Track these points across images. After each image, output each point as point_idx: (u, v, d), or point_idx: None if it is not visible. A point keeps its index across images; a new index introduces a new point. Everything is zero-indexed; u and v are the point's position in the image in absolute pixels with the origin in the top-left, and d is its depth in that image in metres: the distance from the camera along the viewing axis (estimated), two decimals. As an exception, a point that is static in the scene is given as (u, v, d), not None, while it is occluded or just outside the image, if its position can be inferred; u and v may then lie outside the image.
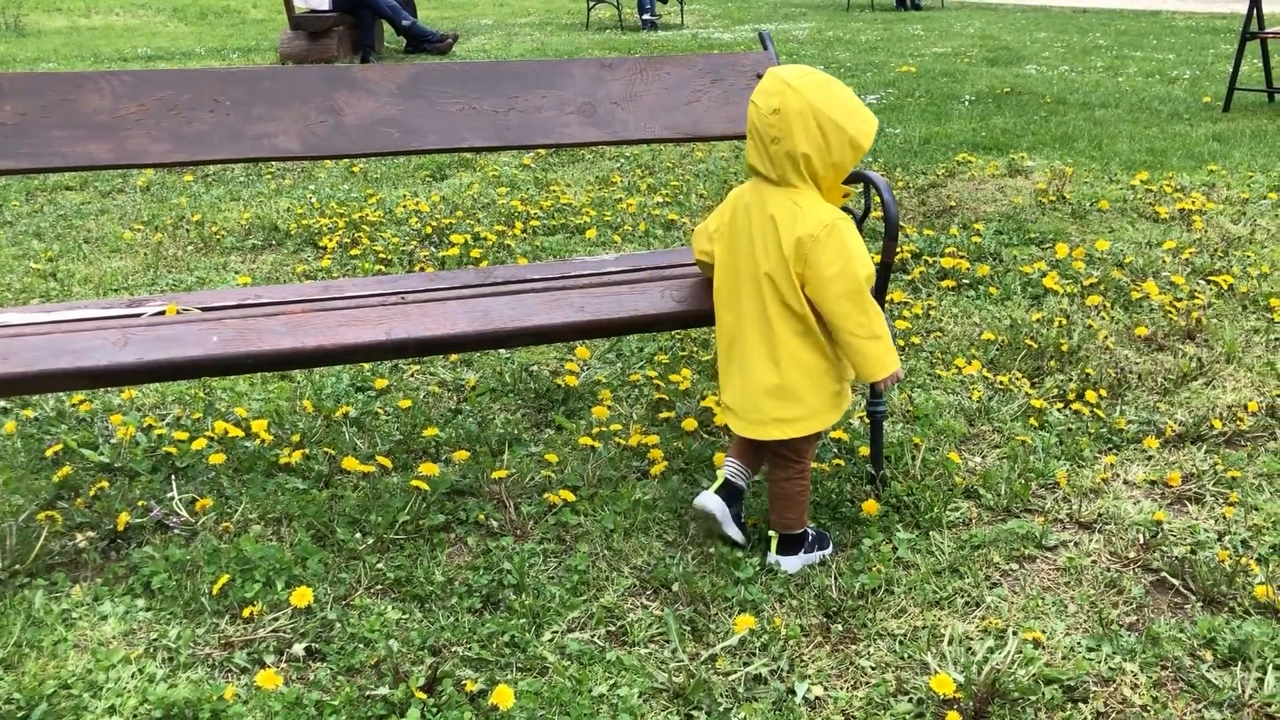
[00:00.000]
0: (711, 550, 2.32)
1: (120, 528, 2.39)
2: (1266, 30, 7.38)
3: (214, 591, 2.15)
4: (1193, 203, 4.93)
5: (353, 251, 4.47)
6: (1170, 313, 3.64)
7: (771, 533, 2.30)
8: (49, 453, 2.73)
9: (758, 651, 2.03)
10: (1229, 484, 2.59)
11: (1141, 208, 4.95)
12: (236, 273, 4.27)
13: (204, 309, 2.43)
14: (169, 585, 2.20)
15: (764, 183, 2.15)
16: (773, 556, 2.28)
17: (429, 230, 4.77)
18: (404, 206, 5.21)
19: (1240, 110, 7.42)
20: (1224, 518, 2.46)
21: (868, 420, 2.62)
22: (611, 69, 2.83)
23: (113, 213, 5.26)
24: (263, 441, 2.79)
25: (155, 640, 2.06)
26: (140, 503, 2.50)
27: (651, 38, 13.11)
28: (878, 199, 2.35)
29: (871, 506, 2.45)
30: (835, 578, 2.24)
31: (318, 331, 2.25)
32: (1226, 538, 2.38)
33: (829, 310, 2.07)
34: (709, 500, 2.28)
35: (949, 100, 8.11)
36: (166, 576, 2.22)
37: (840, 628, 2.10)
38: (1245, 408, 2.97)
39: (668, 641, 2.06)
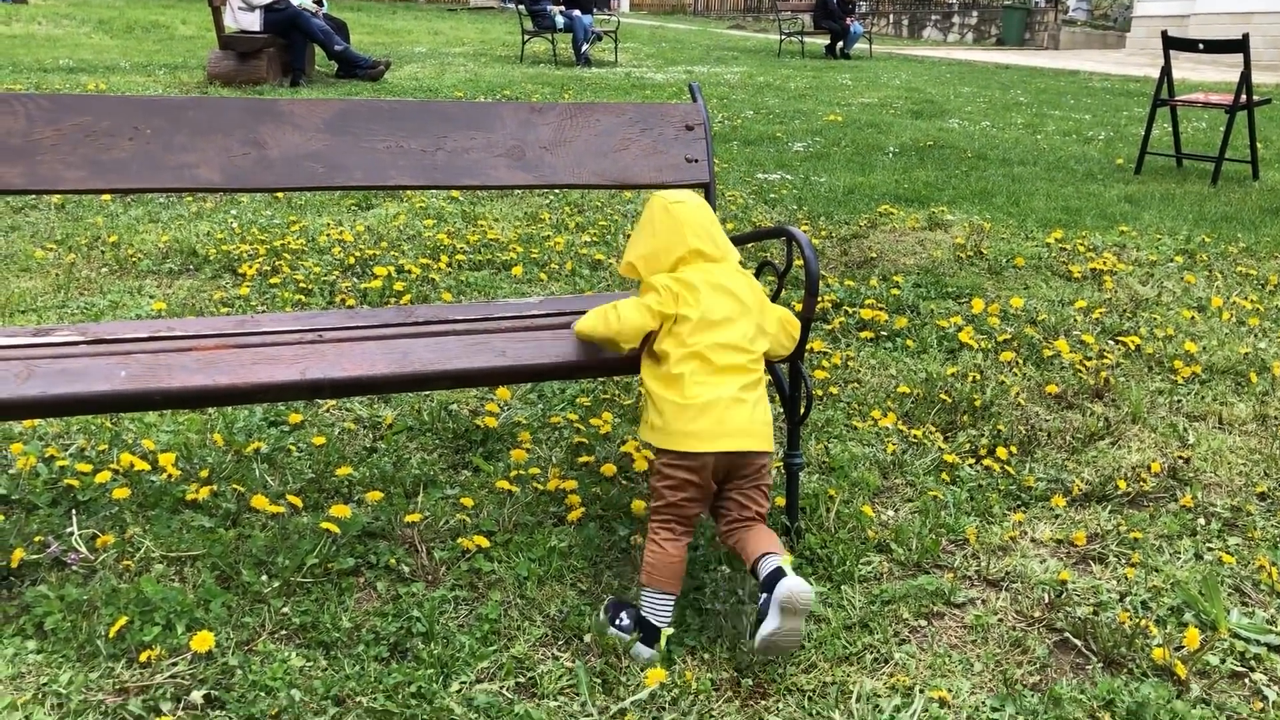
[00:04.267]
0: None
1: (14, 564, 2.30)
2: (1176, 98, 7.68)
3: (110, 634, 2.08)
4: (1104, 263, 5.09)
5: (273, 280, 4.40)
6: (1080, 371, 3.74)
7: (785, 561, 2.13)
8: (-58, 483, 2.62)
9: (668, 706, 2.02)
10: (1131, 545, 2.66)
11: (1055, 265, 5.09)
12: (151, 297, 4.18)
13: (114, 340, 2.37)
14: (63, 626, 2.12)
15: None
16: (794, 583, 2.06)
17: (352, 261, 4.71)
18: (327, 235, 5.15)
19: (1151, 173, 7.69)
20: (1126, 578, 2.52)
21: (784, 472, 2.64)
22: (542, 113, 2.84)
23: (24, 230, 5.12)
24: (170, 476, 2.72)
25: (45, 685, 1.98)
26: (37, 538, 2.42)
27: (585, 74, 13.19)
28: (800, 253, 2.38)
29: (787, 559, 2.46)
30: (748, 631, 2.24)
31: (230, 369, 2.21)
32: (1128, 598, 2.43)
33: None
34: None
35: (874, 151, 8.28)
36: (61, 617, 2.14)
37: (750, 682, 2.10)
38: (1149, 468, 3.05)
39: (578, 694, 2.05)
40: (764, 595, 2.08)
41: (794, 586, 2.03)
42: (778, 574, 2.07)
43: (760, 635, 2.07)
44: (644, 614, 2.17)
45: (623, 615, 2.20)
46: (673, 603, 2.18)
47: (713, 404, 2.16)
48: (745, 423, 2.18)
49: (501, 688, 2.05)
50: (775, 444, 2.34)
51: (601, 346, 2.37)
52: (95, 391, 2.09)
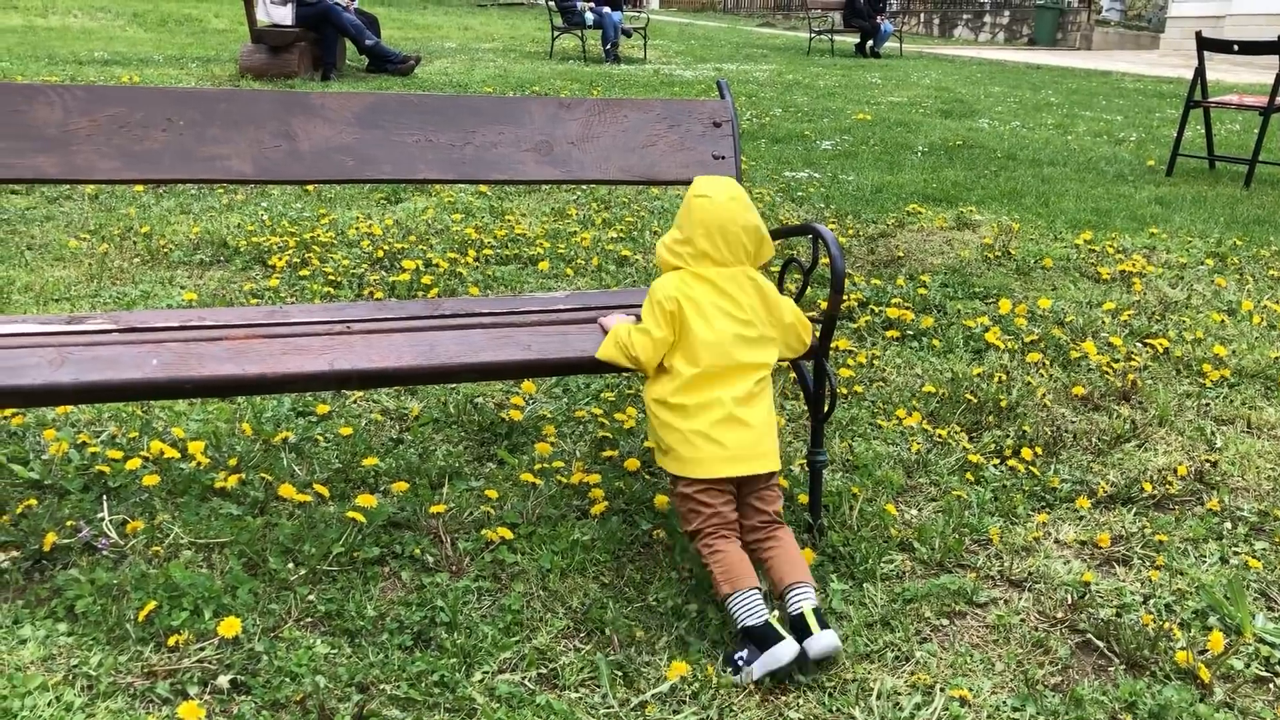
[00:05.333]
0: (652, 601, 2.32)
1: (46, 548, 2.34)
2: (1210, 99, 7.61)
3: (139, 618, 2.11)
4: (1133, 265, 5.06)
5: (302, 272, 4.44)
6: (1107, 373, 3.72)
7: (806, 604, 2.14)
8: (-24, 467, 2.67)
9: (688, 699, 2.03)
10: (1156, 547, 2.65)
11: (1084, 267, 5.06)
12: (182, 288, 4.22)
13: (146, 329, 2.40)
14: (93, 610, 2.15)
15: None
16: (825, 639, 2.09)
17: (380, 254, 4.75)
18: (357, 229, 5.19)
19: (1182, 175, 7.62)
20: (1150, 581, 2.51)
21: (807, 469, 2.64)
22: (570, 109, 2.85)
23: (59, 220, 5.18)
24: (199, 464, 2.76)
25: (75, 667, 2.01)
26: (69, 523, 2.46)
27: (614, 70, 13.21)
28: (826, 250, 2.38)
29: (808, 556, 2.46)
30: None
31: (260, 359, 2.23)
32: (1151, 601, 2.42)
33: None
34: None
35: (902, 150, 8.25)
36: (91, 601, 2.17)
37: (770, 678, 2.10)
38: (1175, 471, 3.03)
39: (599, 686, 2.06)
40: (754, 643, 2.09)
41: (825, 647, 2.08)
42: (803, 626, 2.09)
43: (767, 664, 2.07)
44: (745, 625, 2.09)
45: (737, 656, 2.10)
46: (759, 595, 2.13)
47: (716, 429, 2.19)
48: (751, 445, 2.22)
49: (523, 678, 2.07)
50: (789, 450, 2.34)
51: None
52: (127, 379, 2.12)
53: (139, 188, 5.87)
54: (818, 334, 2.48)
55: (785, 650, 2.04)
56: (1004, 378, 3.62)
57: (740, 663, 2.08)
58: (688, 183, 2.80)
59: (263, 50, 10.47)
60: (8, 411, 2.98)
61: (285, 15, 10.50)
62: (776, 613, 2.13)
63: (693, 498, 2.22)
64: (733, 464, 2.20)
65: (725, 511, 2.22)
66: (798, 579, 2.17)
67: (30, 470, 2.67)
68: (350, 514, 2.48)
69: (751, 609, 2.10)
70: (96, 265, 4.44)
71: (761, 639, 2.06)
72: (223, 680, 1.99)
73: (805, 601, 2.13)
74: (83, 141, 2.45)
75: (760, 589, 2.14)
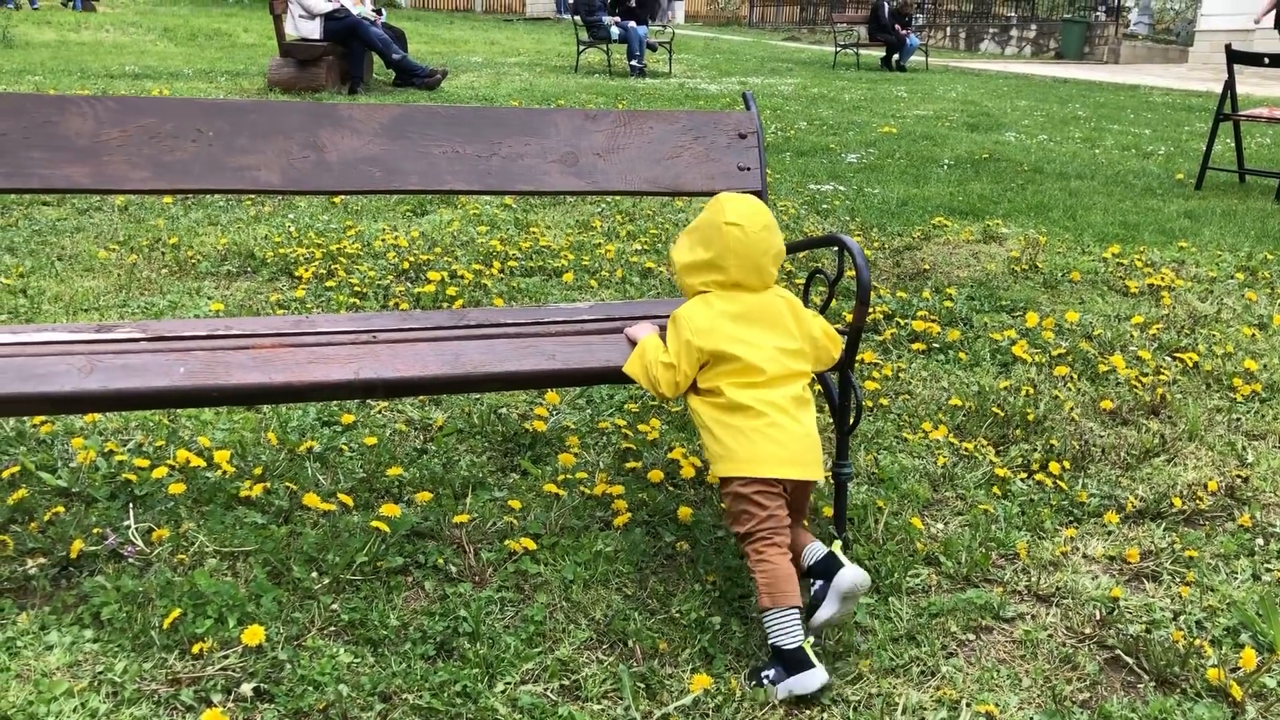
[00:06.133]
0: (676, 613, 2.31)
1: (73, 555, 2.36)
2: (1240, 113, 7.55)
3: (164, 625, 2.12)
4: (1162, 279, 5.01)
5: (328, 283, 4.46)
6: (1136, 387, 3.69)
7: (835, 546, 2.22)
8: (5, 475, 2.69)
9: (711, 713, 2.02)
10: (1186, 563, 2.61)
11: (1112, 281, 5.02)
12: (210, 299, 4.25)
13: (174, 337, 2.42)
14: (119, 617, 2.16)
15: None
16: (856, 572, 2.14)
17: (406, 266, 4.77)
18: (383, 240, 5.22)
19: (1212, 189, 7.56)
20: (1180, 597, 2.47)
21: (832, 481, 2.63)
22: (595, 120, 2.85)
23: (88, 231, 5.24)
24: (224, 473, 2.77)
25: (101, 673, 2.02)
26: (95, 530, 2.47)
27: (639, 84, 13.25)
28: (851, 262, 2.37)
29: (835, 544, 2.45)
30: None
31: (286, 368, 2.24)
32: (1182, 618, 2.39)
33: None
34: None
35: (928, 163, 8.22)
36: (117, 608, 2.19)
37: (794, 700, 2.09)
38: (1205, 487, 3.00)
39: (621, 698, 2.05)
40: (819, 582, 2.17)
41: (855, 578, 2.11)
42: (832, 560, 2.14)
43: (817, 620, 2.13)
44: (778, 645, 2.07)
45: (764, 674, 2.08)
46: (799, 616, 2.09)
47: (775, 430, 2.18)
48: (804, 450, 2.21)
49: (546, 689, 2.06)
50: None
51: None
52: (154, 387, 2.14)
53: (168, 199, 5.92)
54: (843, 346, 2.46)
55: (814, 679, 2.03)
56: (1031, 391, 3.59)
57: (766, 681, 2.07)
58: (713, 194, 2.80)
59: (291, 64, 10.57)
60: (36, 419, 3.00)
61: (314, 29, 10.60)
62: (811, 638, 2.11)
63: (749, 498, 2.18)
64: (791, 466, 2.19)
65: (780, 515, 2.19)
66: (812, 540, 2.25)
67: (58, 478, 2.69)
68: (374, 523, 2.48)
69: (788, 629, 2.08)
70: (125, 276, 4.48)
71: (792, 663, 2.05)
72: (246, 688, 2.00)
73: (826, 546, 2.20)
74: (114, 152, 2.48)
75: (801, 609, 2.11)
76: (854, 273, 2.34)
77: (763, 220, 2.29)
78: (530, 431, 3.14)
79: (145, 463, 2.76)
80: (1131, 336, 4.21)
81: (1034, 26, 25.68)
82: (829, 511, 2.66)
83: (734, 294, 2.29)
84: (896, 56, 18.18)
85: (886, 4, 18.11)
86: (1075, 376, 3.78)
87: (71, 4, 19.04)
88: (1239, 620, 2.36)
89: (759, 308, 2.29)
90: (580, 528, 2.63)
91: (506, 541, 2.51)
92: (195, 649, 2.08)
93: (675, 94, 12.20)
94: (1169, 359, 4.00)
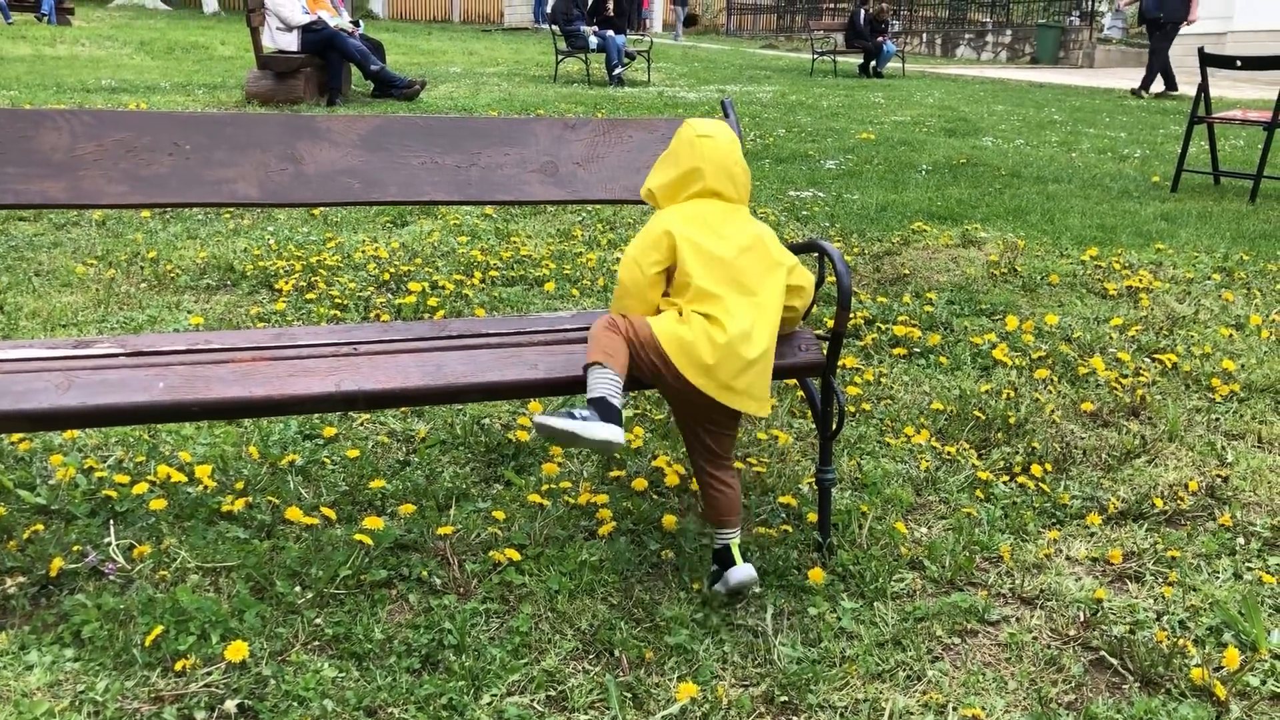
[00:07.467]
0: (659, 621, 2.31)
1: (53, 573, 2.33)
2: (1213, 115, 7.61)
3: (146, 643, 2.10)
4: (1140, 280, 5.05)
5: (308, 295, 4.44)
6: (1115, 389, 3.71)
7: (734, 542, 2.36)
8: (-17, 492, 2.66)
9: (698, 721, 2.01)
10: (1169, 563, 2.63)
11: (1090, 283, 5.05)
12: (189, 312, 4.23)
13: (152, 352, 2.40)
14: (100, 635, 2.14)
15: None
16: (746, 570, 2.33)
17: (387, 277, 4.75)
18: (363, 252, 5.20)
19: (1187, 191, 7.62)
20: (1163, 597, 2.49)
21: (816, 487, 2.63)
22: (574, 129, 2.85)
23: (66, 246, 5.20)
24: (205, 488, 2.75)
25: (82, 693, 2.00)
26: (75, 548, 2.45)
27: (618, 94, 13.26)
28: (832, 267, 2.37)
29: (817, 575, 2.46)
30: (777, 646, 2.23)
31: (266, 381, 2.23)
32: (1165, 618, 2.40)
33: None
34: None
35: (907, 169, 8.26)
36: (98, 626, 2.17)
37: (782, 698, 2.09)
38: (1186, 487, 3.01)
39: (608, 708, 2.04)
40: (715, 566, 2.38)
41: (742, 579, 2.31)
42: (727, 556, 2.33)
43: (716, 588, 2.36)
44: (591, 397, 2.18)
45: (574, 411, 2.16)
46: (617, 379, 2.20)
47: (730, 346, 2.17)
48: (750, 384, 2.21)
49: (532, 700, 2.05)
50: (796, 469, 2.34)
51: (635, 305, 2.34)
52: (133, 402, 2.12)
53: (146, 213, 5.89)
54: (824, 351, 2.47)
55: (606, 432, 2.13)
56: (1012, 394, 3.60)
57: (577, 415, 2.14)
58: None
59: (269, 76, 10.52)
60: (15, 436, 2.98)
61: (291, 42, 10.56)
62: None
63: (668, 384, 2.24)
64: (731, 396, 2.20)
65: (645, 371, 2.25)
66: (730, 517, 2.36)
67: (37, 495, 2.67)
68: (357, 536, 2.47)
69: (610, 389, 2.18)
70: (104, 291, 4.45)
71: (607, 414, 2.15)
72: (230, 705, 1.98)
73: (730, 536, 2.35)
74: (90, 166, 2.46)
75: (619, 379, 2.20)
76: (835, 278, 2.34)
77: (729, 134, 2.44)
78: (514, 442, 3.13)
79: (125, 479, 2.74)
80: (1111, 338, 4.24)
81: (1009, 32, 25.86)
82: (813, 517, 2.66)
83: (711, 201, 2.38)
84: (874, 63, 18.27)
85: (863, 11, 18.23)
86: (1056, 379, 3.80)
87: (46, 18, 18.92)
88: (1222, 619, 2.38)
89: (735, 212, 2.38)
90: (565, 537, 2.62)
91: (491, 552, 2.50)
92: (178, 666, 2.06)
93: (654, 102, 12.22)
94: (1148, 360, 4.02)
